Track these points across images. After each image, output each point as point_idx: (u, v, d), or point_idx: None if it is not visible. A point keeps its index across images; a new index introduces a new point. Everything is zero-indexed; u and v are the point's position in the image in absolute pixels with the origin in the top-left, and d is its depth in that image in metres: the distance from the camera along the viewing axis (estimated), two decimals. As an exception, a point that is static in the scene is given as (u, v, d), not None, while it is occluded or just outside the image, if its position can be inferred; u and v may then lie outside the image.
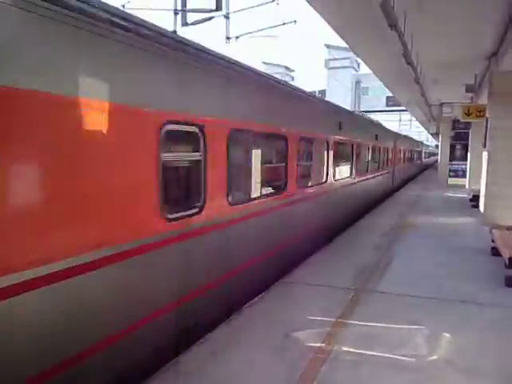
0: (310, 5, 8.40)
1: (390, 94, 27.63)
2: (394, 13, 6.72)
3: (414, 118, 44.97)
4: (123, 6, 12.23)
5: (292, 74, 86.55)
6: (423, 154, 50.42)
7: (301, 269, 7.63)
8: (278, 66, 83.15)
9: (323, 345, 4.71)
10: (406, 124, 57.84)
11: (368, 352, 4.55)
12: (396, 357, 4.45)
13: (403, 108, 33.37)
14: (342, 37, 11.09)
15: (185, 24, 13.04)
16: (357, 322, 5.32)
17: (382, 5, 6.28)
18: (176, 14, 13.31)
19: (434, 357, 4.49)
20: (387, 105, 45.94)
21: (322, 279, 6.99)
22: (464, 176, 24.18)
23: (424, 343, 4.80)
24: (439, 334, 5.03)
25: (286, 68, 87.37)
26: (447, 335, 5.02)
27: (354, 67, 71.31)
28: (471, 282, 6.99)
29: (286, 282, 6.86)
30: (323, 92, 60.91)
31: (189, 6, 13.65)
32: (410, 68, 11.02)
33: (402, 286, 6.73)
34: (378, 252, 8.94)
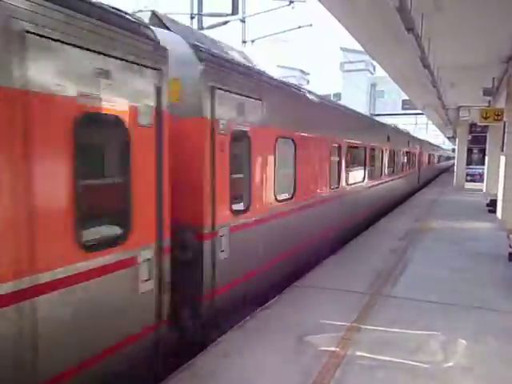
0: (328, 10, 8.41)
1: (407, 97, 27.41)
2: (411, 16, 6.68)
3: (430, 122, 44.51)
4: (140, 11, 12.38)
5: (307, 77, 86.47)
6: (429, 158, 33.40)
7: (315, 272, 7.62)
8: (294, 69, 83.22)
9: (337, 349, 4.69)
10: (422, 128, 57.35)
11: (382, 357, 4.52)
12: (411, 362, 4.42)
13: (419, 111, 33.09)
14: (358, 40, 11.07)
15: (201, 28, 13.17)
16: (371, 327, 5.29)
17: (398, 8, 6.26)
18: (192, 18, 13.43)
19: (450, 363, 4.45)
20: (403, 108, 45.59)
21: (336, 283, 6.96)
22: (481, 180, 23.85)
23: (439, 349, 4.75)
24: (455, 341, 4.98)
25: (302, 71, 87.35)
26: (463, 342, 4.96)
27: (369, 70, 70.99)
28: (488, 287, 6.89)
29: (300, 286, 6.85)
30: (338, 95, 60.67)
31: (205, 11, 13.77)
32: (426, 71, 10.94)
33: (417, 291, 6.67)
34: (393, 256, 8.87)
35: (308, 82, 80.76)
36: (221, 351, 4.61)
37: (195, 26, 13.03)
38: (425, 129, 58.25)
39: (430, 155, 33.61)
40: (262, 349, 4.69)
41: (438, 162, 47.31)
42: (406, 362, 4.44)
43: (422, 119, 50.49)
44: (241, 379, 4.09)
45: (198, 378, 4.09)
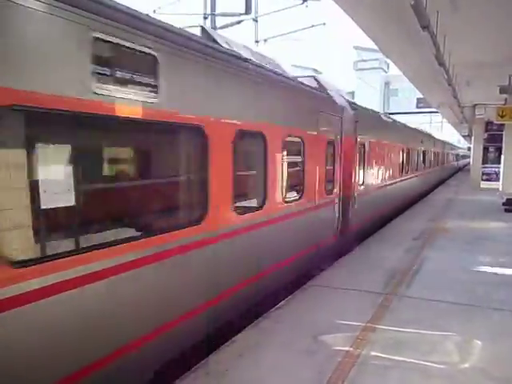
0: (342, 8, 8.37)
1: (421, 96, 27.12)
2: (426, 14, 6.62)
3: (445, 120, 44.00)
4: (154, 12, 12.49)
5: (320, 76, 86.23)
6: (407, 160, 16.86)
7: (329, 271, 7.59)
8: (307, 68, 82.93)
9: (351, 349, 4.68)
10: (437, 126, 56.73)
11: (397, 357, 4.49)
12: (426, 363, 4.38)
13: (434, 110, 32.72)
14: (372, 39, 10.99)
15: (214, 28, 13.21)
16: (386, 327, 5.26)
17: (414, 6, 6.20)
18: (205, 18, 13.48)
19: (466, 365, 4.40)
20: (417, 106, 45.11)
21: (350, 283, 6.93)
22: (497, 179, 23.50)
23: (455, 350, 4.70)
24: (471, 342, 4.92)
25: (315, 70, 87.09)
26: (479, 343, 4.90)
27: (383, 68, 70.52)
28: (505, 288, 6.79)
29: (314, 285, 6.83)
30: (352, 94, 60.29)
31: (218, 10, 13.81)
32: (442, 69, 10.82)
33: (432, 291, 6.61)
34: (408, 256, 8.80)
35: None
36: (235, 350, 4.63)
37: (208, 25, 13.09)
38: (439, 127, 57.61)
39: (409, 152, 17.01)
40: (275, 348, 4.70)
41: (439, 162, 29.35)
42: (420, 362, 4.41)
43: (437, 118, 49.91)
44: (255, 378, 4.10)
45: (212, 376, 4.12)
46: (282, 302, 6.08)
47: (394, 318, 5.54)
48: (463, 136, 51.76)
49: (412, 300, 6.26)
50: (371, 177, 11.31)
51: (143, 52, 3.71)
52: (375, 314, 5.66)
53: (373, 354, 4.58)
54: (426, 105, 33.48)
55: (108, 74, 3.45)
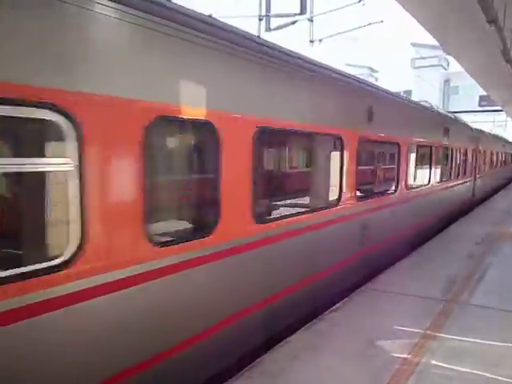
0: (402, 5, 8.14)
1: (484, 93, 25.83)
2: (493, 7, 6.29)
3: (510, 119, 41.65)
4: (210, 15, 12.73)
5: (376, 74, 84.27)
6: None
7: (386, 275, 7.40)
8: (362, 67, 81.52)
9: (410, 356, 4.53)
10: (500, 125, 53.87)
11: (460, 368, 4.30)
12: (492, 376, 4.15)
13: (497, 108, 31.06)
14: (433, 35, 10.61)
15: (268, 29, 13.25)
16: (447, 336, 5.04)
17: (480, 0, 5.91)
18: (260, 19, 13.54)
19: (536, 379, 4.13)
20: (480, 105, 43.03)
21: (408, 288, 6.71)
22: None
23: (524, 363, 4.43)
24: (541, 355, 4.62)
25: (370, 69, 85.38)
26: (551, 357, 4.59)
27: (442, 65, 67.84)
28: None
29: (370, 289, 6.68)
30: (409, 92, 58.47)
31: (273, 11, 13.83)
32: (508, 65, 10.25)
33: (496, 299, 6.26)
34: (470, 262, 8.39)
35: (376, 79, 78.65)
36: (289, 352, 4.61)
37: (263, 27, 13.14)
38: (503, 127, 54.63)
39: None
40: (330, 351, 4.64)
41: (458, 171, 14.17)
42: (485, 374, 4.19)
43: (501, 116, 47.34)
44: (310, 380, 4.07)
45: (267, 376, 4.13)
46: (338, 305, 6.00)
47: (455, 326, 5.31)
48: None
49: (475, 308, 5.97)
50: None
51: None
52: (435, 322, 5.45)
53: (433, 362, 4.41)
54: (490, 103, 31.90)
55: None
